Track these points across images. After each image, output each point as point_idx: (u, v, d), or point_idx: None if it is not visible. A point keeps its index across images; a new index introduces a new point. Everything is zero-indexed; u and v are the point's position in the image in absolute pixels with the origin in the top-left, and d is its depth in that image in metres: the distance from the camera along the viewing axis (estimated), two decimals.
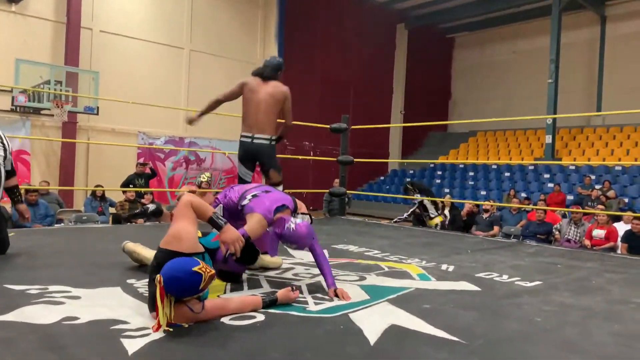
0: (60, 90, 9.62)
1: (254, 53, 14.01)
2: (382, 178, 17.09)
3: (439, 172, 15.87)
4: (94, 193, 8.17)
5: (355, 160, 7.22)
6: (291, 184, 13.73)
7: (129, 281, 2.78)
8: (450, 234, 6.14)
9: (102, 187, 8.25)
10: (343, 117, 7.13)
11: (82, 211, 7.92)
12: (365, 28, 16.55)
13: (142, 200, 7.57)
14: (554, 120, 13.63)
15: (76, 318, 2.15)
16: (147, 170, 9.03)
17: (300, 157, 10.18)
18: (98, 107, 10.33)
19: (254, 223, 2.65)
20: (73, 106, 10.06)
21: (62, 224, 6.81)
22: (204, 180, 7.06)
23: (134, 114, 11.02)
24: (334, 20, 15.65)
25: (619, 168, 12.64)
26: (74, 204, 10.19)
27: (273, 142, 4.35)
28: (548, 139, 13.82)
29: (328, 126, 7.12)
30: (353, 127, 7.88)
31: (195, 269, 2.01)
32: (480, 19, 17.65)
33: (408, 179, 14.00)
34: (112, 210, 8.08)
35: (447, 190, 13.94)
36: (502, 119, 7.73)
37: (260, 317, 2.27)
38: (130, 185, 8.46)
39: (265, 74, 4.32)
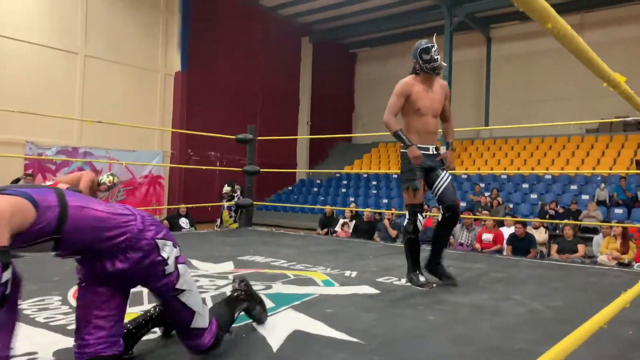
0: None
1: (155, 60, 13.54)
2: (290, 188, 17.23)
3: (345, 182, 16.32)
4: None
5: (261, 170, 7.24)
6: (196, 195, 13.39)
7: None
8: (355, 241, 6.36)
9: None
10: (249, 128, 7.12)
11: None
12: (271, 39, 16.68)
13: None
14: None
15: None
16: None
17: (204, 167, 9.95)
18: None
19: None
20: None
21: None
22: (107, 182, 5.34)
23: (21, 122, 10.14)
24: (240, 30, 15.60)
25: (505, 177, 13.83)
26: None
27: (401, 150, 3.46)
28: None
29: (234, 137, 7.07)
30: (259, 137, 7.90)
31: None
32: (380, 36, 18.53)
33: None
34: None
35: (352, 198, 14.37)
36: None
37: (161, 332, 2.20)
38: None
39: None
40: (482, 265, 4.37)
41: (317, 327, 2.32)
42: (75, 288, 2.94)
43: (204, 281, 3.30)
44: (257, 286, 3.18)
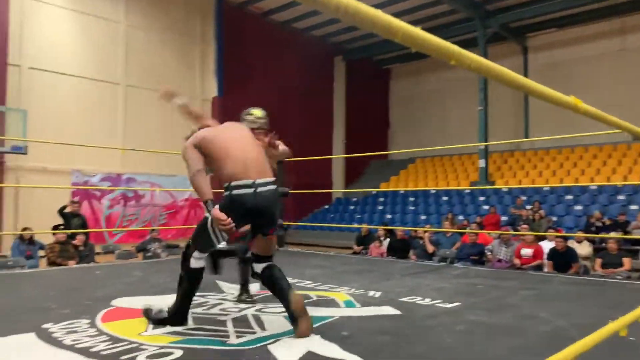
0: None
1: (193, 88, 14.00)
2: (326, 207, 17.27)
3: (381, 199, 16.22)
4: (21, 236, 7.80)
5: (294, 191, 7.31)
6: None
7: (44, 326, 2.70)
8: (383, 260, 6.31)
9: (30, 229, 7.90)
10: None
11: (7, 256, 7.52)
12: (304, 60, 16.94)
13: (74, 242, 7.29)
14: (486, 145, 14.36)
15: None
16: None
17: None
18: (27, 146, 9.97)
19: None
20: None
21: None
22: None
23: (67, 151, 10.65)
24: (273, 53, 15.94)
25: (547, 188, 13.39)
26: (2, 249, 9.66)
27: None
28: (481, 163, 14.50)
29: None
30: (292, 158, 8.00)
31: None
32: (412, 51, 18.42)
33: None
34: (41, 253, 7.73)
35: (389, 215, 14.26)
36: (437, 147, 8.12)
37: (178, 353, 2.27)
38: (61, 227, 8.12)
39: None
40: (512, 283, 4.25)
41: (330, 349, 2.33)
42: (104, 311, 3.07)
43: (228, 304, 3.36)
44: (277, 308, 3.22)
